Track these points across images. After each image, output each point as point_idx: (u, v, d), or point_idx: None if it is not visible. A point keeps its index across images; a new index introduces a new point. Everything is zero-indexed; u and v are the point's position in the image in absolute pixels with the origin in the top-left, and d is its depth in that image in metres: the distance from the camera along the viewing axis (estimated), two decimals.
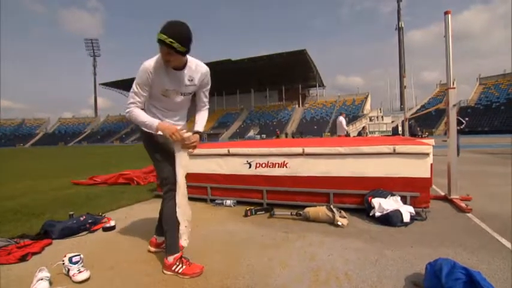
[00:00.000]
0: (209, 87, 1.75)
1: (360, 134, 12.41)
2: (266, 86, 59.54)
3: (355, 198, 2.65)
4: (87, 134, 70.90)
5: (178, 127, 1.75)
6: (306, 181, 2.82)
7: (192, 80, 1.65)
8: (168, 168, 1.68)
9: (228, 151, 3.11)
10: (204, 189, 3.22)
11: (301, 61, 45.90)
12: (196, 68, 1.65)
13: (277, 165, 2.94)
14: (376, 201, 2.40)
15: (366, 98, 51.99)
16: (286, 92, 58.40)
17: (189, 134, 1.66)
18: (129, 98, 1.60)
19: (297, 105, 58.38)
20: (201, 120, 1.77)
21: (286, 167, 2.90)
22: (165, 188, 1.69)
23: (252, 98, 61.70)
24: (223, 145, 3.90)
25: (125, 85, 65.63)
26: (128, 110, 1.59)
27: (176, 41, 1.43)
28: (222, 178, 3.15)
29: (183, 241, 1.69)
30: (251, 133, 51.78)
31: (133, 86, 1.57)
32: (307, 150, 2.83)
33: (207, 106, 1.80)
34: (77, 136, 70.09)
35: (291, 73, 51.00)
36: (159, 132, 1.62)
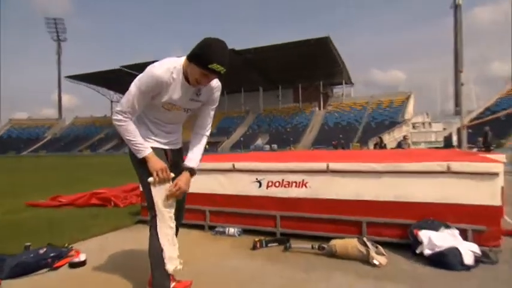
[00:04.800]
0: (216, 105, 1.83)
1: (399, 145, 12.32)
2: (278, 83, 60.16)
3: (397, 229, 2.63)
4: (47, 140, 71.73)
5: (172, 138, 1.82)
6: (331, 205, 2.83)
7: (199, 95, 1.73)
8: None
9: (233, 166, 3.17)
10: (201, 213, 3.26)
11: (323, 52, 46.44)
12: None
13: (294, 184, 2.96)
14: (424, 235, 2.37)
15: (408, 98, 51.72)
16: (304, 91, 58.84)
17: (172, 176, 1.72)
18: (124, 104, 1.62)
19: (317, 108, 58.58)
20: (197, 152, 1.79)
21: (306, 186, 2.92)
22: (152, 212, 1.74)
23: (260, 98, 62.33)
24: (225, 158, 3.95)
25: (99, 79, 66.84)
26: (118, 119, 1.63)
27: (226, 68, 1.56)
28: (224, 200, 3.19)
29: (170, 266, 1.69)
30: (259, 142, 51.92)
31: (133, 91, 1.60)
32: (333, 166, 2.86)
33: (208, 132, 1.84)
34: (34, 143, 70.27)
35: (310, 67, 51.50)
36: (150, 179, 1.69)
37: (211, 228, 3.21)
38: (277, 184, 3.02)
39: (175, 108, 1.70)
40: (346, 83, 59.09)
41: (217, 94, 1.80)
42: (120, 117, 1.63)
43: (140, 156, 1.67)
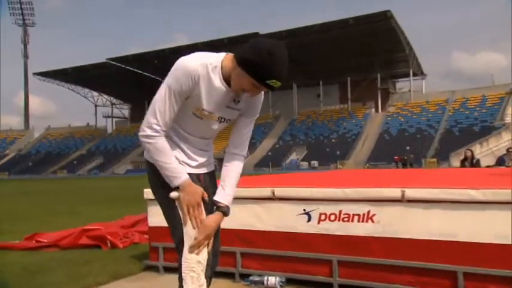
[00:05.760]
0: (257, 116, 1.94)
1: (501, 161, 11.82)
2: (319, 77, 60.35)
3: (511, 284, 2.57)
4: (9, 158, 74.26)
5: (204, 158, 1.94)
6: (410, 248, 2.81)
7: (237, 102, 1.82)
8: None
9: (272, 192, 3.24)
10: (231, 256, 3.32)
11: (381, 32, 46.30)
12: None
13: (356, 217, 2.99)
14: None
15: (511, 92, 49.62)
16: (355, 87, 58.68)
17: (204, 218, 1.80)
18: (152, 114, 1.71)
19: (373, 110, 57.97)
20: (232, 181, 1.87)
21: (373, 221, 2.94)
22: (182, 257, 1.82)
23: (295, 98, 62.70)
24: (261, 181, 4.03)
25: (78, 76, 69.14)
26: (148, 135, 1.72)
27: (282, 81, 1.69)
28: (261, 238, 3.25)
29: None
30: (293, 157, 51.84)
31: (163, 93, 1.70)
32: (411, 193, 2.86)
33: (245, 151, 1.94)
34: None
35: (363, 54, 51.44)
36: (174, 194, 1.78)
37: (244, 276, 3.26)
38: (332, 217, 3.05)
39: (208, 116, 1.79)
40: (414, 75, 58.12)
41: (259, 102, 1.90)
42: (149, 131, 1.71)
43: (175, 184, 1.75)
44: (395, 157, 38.54)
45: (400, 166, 34.50)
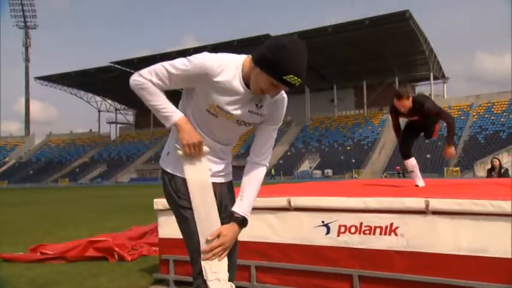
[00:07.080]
0: (279, 125, 1.99)
1: None
2: (332, 81, 60.30)
3: None
4: (9, 166, 74.70)
5: (222, 165, 1.96)
6: (435, 263, 2.79)
7: (260, 107, 1.87)
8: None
9: (288, 202, 3.25)
10: (245, 269, 3.31)
11: (399, 33, 46.16)
12: None
13: (378, 230, 2.98)
14: None
15: None
16: (371, 92, 58.44)
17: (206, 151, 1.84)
18: (152, 70, 1.80)
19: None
20: (251, 191, 1.92)
21: (396, 234, 2.93)
22: (197, 268, 1.83)
23: (307, 103, 62.66)
24: (276, 190, 4.03)
25: (81, 80, 70.17)
26: (139, 81, 1.80)
27: (303, 79, 1.72)
28: (276, 251, 3.25)
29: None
30: (305, 166, 51.69)
31: (171, 66, 1.78)
32: (436, 204, 2.84)
33: (266, 161, 1.99)
34: None
35: (379, 57, 51.26)
36: (180, 152, 1.82)
37: None
38: (352, 230, 3.04)
39: (224, 115, 1.82)
40: (435, 78, 57.85)
41: (281, 110, 1.94)
42: (141, 79, 1.79)
43: (169, 123, 1.81)
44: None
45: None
